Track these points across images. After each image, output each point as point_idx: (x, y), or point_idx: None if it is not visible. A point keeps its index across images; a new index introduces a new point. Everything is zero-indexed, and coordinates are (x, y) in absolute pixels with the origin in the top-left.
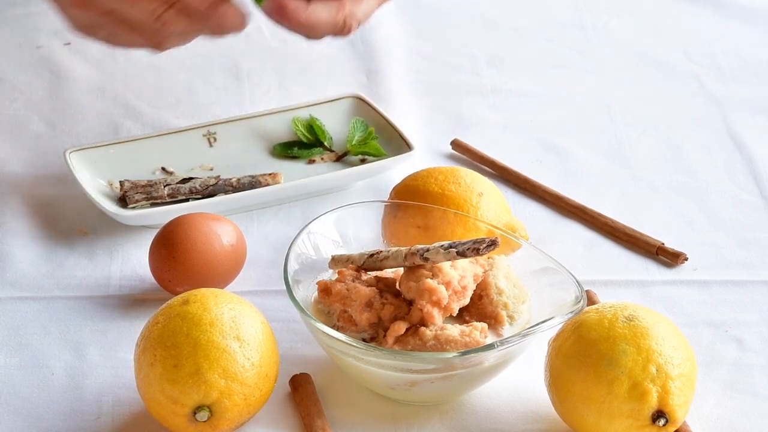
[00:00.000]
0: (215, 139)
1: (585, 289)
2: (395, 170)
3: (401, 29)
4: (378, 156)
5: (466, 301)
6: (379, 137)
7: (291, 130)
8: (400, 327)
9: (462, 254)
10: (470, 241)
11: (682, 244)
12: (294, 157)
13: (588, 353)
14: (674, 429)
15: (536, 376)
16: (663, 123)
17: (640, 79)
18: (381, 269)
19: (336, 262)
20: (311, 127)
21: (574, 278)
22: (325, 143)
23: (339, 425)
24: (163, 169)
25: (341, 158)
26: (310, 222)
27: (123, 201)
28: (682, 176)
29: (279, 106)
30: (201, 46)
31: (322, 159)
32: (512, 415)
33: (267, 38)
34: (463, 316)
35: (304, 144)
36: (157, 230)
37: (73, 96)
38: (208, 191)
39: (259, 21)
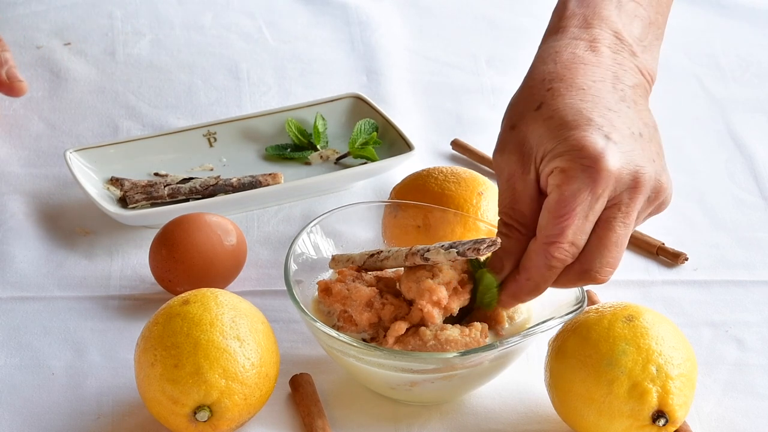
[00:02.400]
0: (215, 139)
1: (585, 289)
2: (395, 170)
3: (401, 29)
4: (373, 162)
5: (467, 301)
6: (381, 140)
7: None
8: (401, 327)
9: (462, 254)
10: (470, 241)
11: (682, 244)
12: (288, 159)
13: (588, 353)
14: (674, 429)
15: (536, 376)
16: (663, 123)
17: None
18: (381, 269)
19: (336, 262)
20: (304, 129)
21: None
22: (319, 146)
23: (339, 425)
24: (156, 174)
25: (341, 159)
26: (310, 222)
27: (123, 201)
28: (683, 176)
29: (279, 106)
30: (201, 46)
31: (321, 159)
32: (512, 415)
33: (267, 38)
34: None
35: (297, 146)
36: (157, 230)
37: (73, 96)
38: (208, 191)
39: (259, 21)
